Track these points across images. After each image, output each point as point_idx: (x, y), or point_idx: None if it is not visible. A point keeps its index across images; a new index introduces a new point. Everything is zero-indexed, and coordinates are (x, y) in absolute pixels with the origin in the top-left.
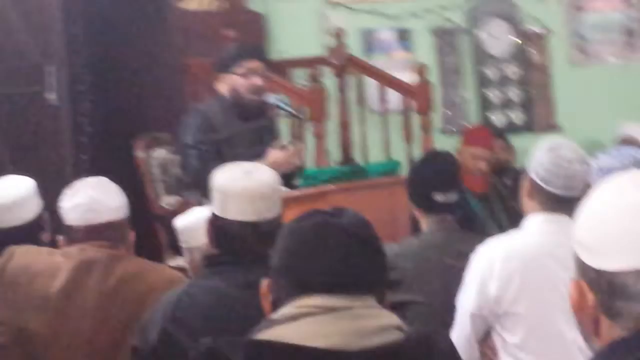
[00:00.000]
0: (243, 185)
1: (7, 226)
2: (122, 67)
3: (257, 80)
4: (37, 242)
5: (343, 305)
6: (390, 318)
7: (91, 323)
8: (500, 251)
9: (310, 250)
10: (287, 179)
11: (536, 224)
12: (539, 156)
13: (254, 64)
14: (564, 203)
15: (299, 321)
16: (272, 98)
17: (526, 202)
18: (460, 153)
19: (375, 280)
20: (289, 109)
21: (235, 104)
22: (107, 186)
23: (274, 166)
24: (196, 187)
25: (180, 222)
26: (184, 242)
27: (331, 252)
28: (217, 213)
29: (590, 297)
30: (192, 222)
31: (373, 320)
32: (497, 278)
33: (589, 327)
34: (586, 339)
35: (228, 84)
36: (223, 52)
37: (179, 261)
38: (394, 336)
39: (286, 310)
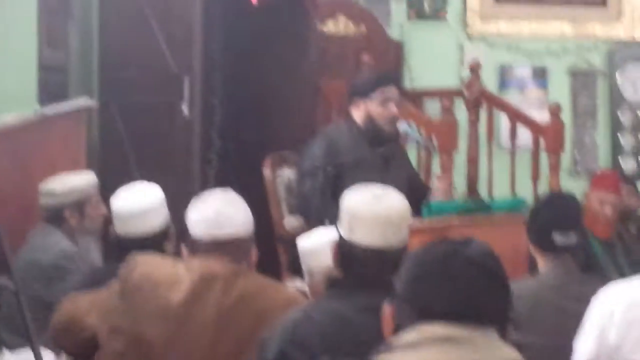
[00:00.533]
0: (373, 210)
1: (135, 234)
2: (256, 84)
3: (393, 109)
4: (162, 252)
5: (464, 336)
6: (511, 352)
7: (209, 337)
8: (622, 297)
9: (435, 277)
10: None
11: None
12: None
13: (392, 91)
14: None
15: (419, 348)
16: (403, 125)
17: None
18: (587, 196)
19: (498, 313)
20: (419, 138)
21: (367, 130)
22: (235, 200)
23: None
24: (302, 214)
25: (303, 243)
26: (305, 263)
27: (456, 281)
28: (343, 235)
29: None
30: (314, 244)
31: (493, 352)
32: (618, 325)
33: None
34: None
35: (363, 109)
36: (360, 77)
37: (297, 283)
38: None
39: (407, 336)
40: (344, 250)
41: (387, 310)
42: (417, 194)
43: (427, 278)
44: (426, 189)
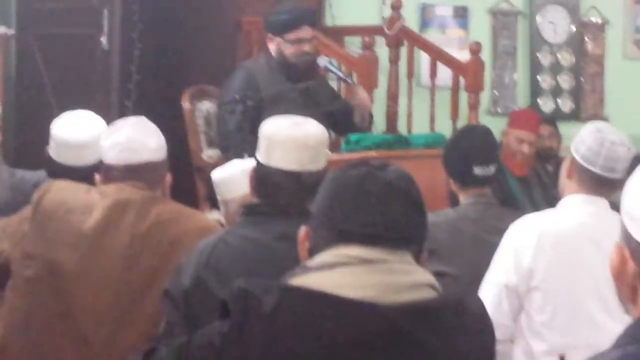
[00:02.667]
0: (289, 134)
1: (70, 164)
2: (175, 18)
3: (305, 47)
4: (92, 183)
5: (379, 258)
6: (425, 275)
7: (122, 263)
8: (536, 226)
9: (351, 200)
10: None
11: (574, 204)
12: (582, 135)
13: (305, 32)
14: (603, 184)
15: (334, 270)
16: (323, 60)
17: (565, 182)
18: (505, 134)
19: (413, 236)
20: (339, 73)
21: (282, 64)
22: (147, 126)
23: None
24: (226, 149)
25: (217, 174)
26: (220, 194)
27: (372, 203)
28: (261, 160)
29: (632, 265)
30: (229, 174)
31: (408, 276)
32: (532, 250)
33: (627, 294)
34: (623, 305)
35: (276, 45)
36: (276, 13)
37: (214, 214)
38: (427, 293)
39: (322, 258)
40: (261, 175)
41: (302, 232)
42: (345, 123)
43: (343, 199)
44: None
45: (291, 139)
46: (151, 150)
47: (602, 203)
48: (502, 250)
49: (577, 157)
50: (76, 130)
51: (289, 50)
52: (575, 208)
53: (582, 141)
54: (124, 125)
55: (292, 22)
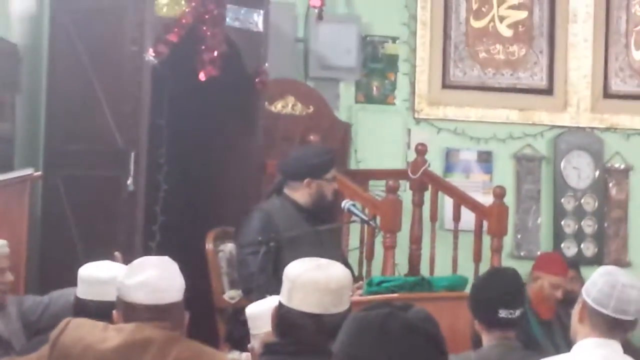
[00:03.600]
0: (312, 277)
1: (95, 299)
2: (200, 160)
3: (336, 185)
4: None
5: None
6: None
7: None
8: None
9: (373, 339)
10: None
11: (587, 348)
12: (594, 278)
13: (334, 169)
14: (616, 327)
15: None
16: (346, 203)
17: (577, 327)
18: (535, 279)
19: None
20: (362, 215)
21: (316, 207)
22: (172, 266)
23: None
24: (249, 292)
25: (250, 308)
26: (251, 328)
27: (394, 344)
28: (282, 301)
29: None
30: (258, 310)
31: None
32: None
33: None
34: None
35: (315, 188)
36: (308, 158)
37: (234, 355)
38: None
39: None
40: (282, 316)
41: None
42: None
43: (364, 339)
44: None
45: (313, 282)
46: (176, 291)
47: (615, 346)
48: None
49: (589, 301)
50: (100, 269)
51: (328, 189)
52: (589, 352)
53: (593, 284)
54: (148, 264)
55: (331, 162)
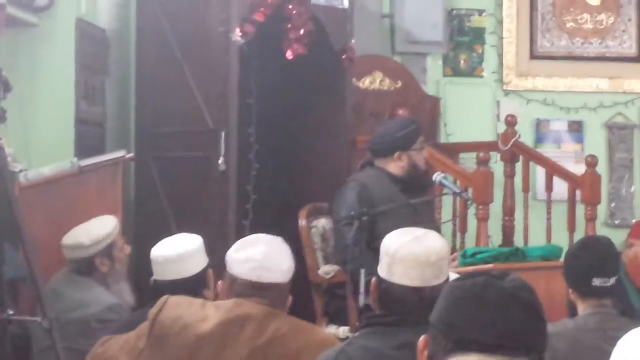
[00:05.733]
0: (412, 251)
1: (171, 279)
2: (291, 138)
3: (427, 154)
4: (199, 297)
5: None
6: None
7: None
8: None
9: (471, 308)
10: None
11: None
12: None
13: (422, 138)
14: None
15: None
16: (438, 176)
17: None
18: (631, 246)
19: (534, 345)
20: (454, 188)
21: (410, 179)
22: (282, 247)
23: None
24: (344, 264)
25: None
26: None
27: (492, 312)
28: (383, 276)
29: None
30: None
31: None
32: None
33: None
34: None
35: (406, 161)
36: (395, 132)
37: (331, 329)
38: None
39: None
40: (383, 290)
41: (422, 341)
42: None
43: (462, 308)
44: None
45: (414, 256)
46: (282, 272)
47: None
48: None
49: None
50: (170, 247)
51: (419, 158)
52: None
53: None
54: (260, 241)
55: (416, 132)
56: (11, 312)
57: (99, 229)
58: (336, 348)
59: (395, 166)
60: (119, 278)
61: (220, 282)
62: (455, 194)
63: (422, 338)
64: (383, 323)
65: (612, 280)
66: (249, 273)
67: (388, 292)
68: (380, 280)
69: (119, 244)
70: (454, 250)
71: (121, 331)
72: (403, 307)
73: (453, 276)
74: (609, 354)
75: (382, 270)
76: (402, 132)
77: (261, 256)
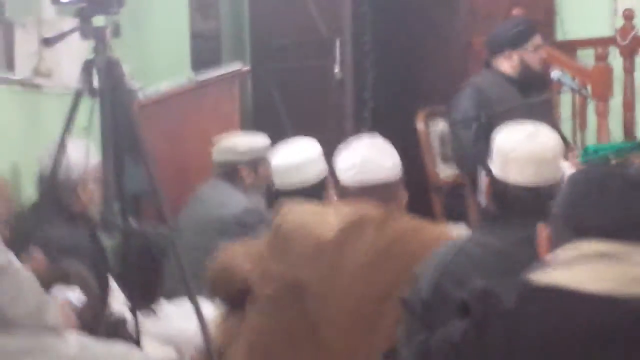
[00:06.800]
0: (526, 149)
1: (291, 186)
2: (406, 44)
3: (543, 54)
4: (318, 203)
5: (621, 252)
6: None
7: (363, 276)
8: None
9: (592, 196)
10: None
11: None
12: None
13: (539, 39)
14: None
15: (574, 265)
16: (556, 74)
17: None
18: None
19: None
20: (573, 85)
21: (523, 78)
22: (382, 146)
23: None
24: (462, 166)
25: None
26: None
27: (613, 198)
28: (497, 175)
29: None
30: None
31: None
32: None
33: None
34: None
35: (517, 59)
36: (506, 30)
37: (451, 228)
38: None
39: (562, 254)
40: (498, 189)
41: (542, 230)
42: None
43: (584, 196)
44: None
45: (528, 154)
46: (386, 169)
47: None
48: None
49: None
50: (288, 153)
51: (532, 58)
52: None
53: None
54: (359, 145)
55: (529, 31)
56: (135, 225)
57: (251, 140)
58: (452, 244)
59: (508, 65)
60: (256, 192)
61: (332, 193)
62: (573, 91)
63: (542, 225)
64: (499, 219)
65: None
66: (353, 179)
67: (503, 192)
68: (494, 180)
69: (266, 162)
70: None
71: (245, 237)
72: (519, 206)
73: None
74: None
75: (496, 169)
76: (513, 29)
77: (360, 159)
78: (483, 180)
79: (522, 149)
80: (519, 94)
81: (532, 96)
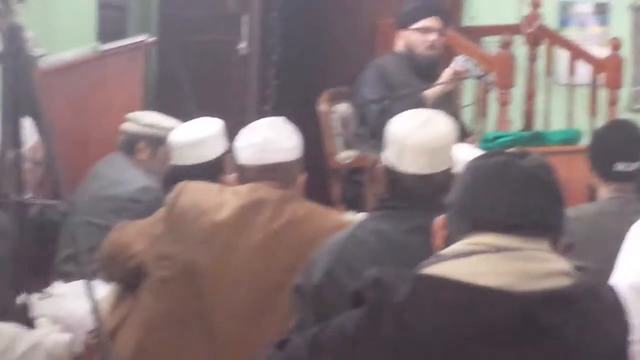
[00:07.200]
0: (419, 138)
1: (189, 163)
2: (314, 24)
3: (432, 37)
4: (216, 182)
5: (515, 246)
6: (561, 263)
7: (257, 260)
8: None
9: (489, 187)
10: None
11: None
12: None
13: (433, 21)
14: None
15: (469, 258)
16: (460, 59)
17: None
18: None
19: (551, 224)
20: (477, 72)
21: (410, 60)
22: (282, 126)
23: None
24: (374, 142)
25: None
26: None
27: (509, 191)
28: (390, 162)
29: None
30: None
31: (544, 264)
32: None
33: None
34: None
35: (404, 40)
36: (405, 8)
37: (349, 216)
38: (563, 281)
39: (457, 246)
40: (392, 177)
41: (439, 221)
42: None
43: (480, 187)
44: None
45: (421, 143)
46: (286, 150)
47: None
48: (626, 249)
49: None
50: (186, 131)
51: (416, 39)
52: None
53: None
54: (260, 125)
55: (418, 12)
56: (29, 195)
57: (161, 119)
58: (346, 231)
59: (400, 45)
60: (152, 174)
61: (232, 175)
62: (476, 77)
63: (440, 218)
64: (394, 207)
65: (636, 165)
66: (251, 157)
67: (396, 180)
68: (388, 168)
69: (169, 148)
70: (474, 134)
71: (141, 216)
72: (413, 194)
73: (473, 153)
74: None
75: (389, 158)
76: (407, 8)
77: (261, 139)
78: (378, 168)
79: (415, 138)
80: (418, 77)
81: (430, 80)
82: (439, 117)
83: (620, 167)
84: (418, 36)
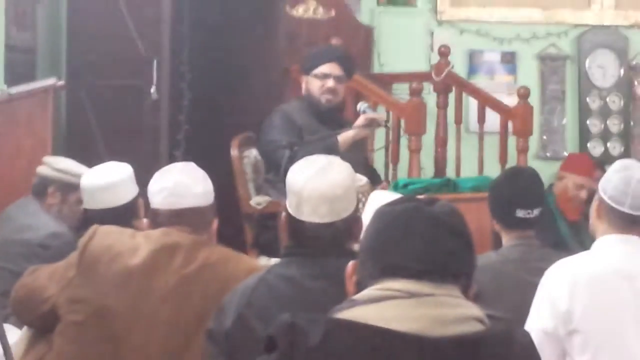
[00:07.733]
0: (316, 189)
1: (101, 207)
2: (224, 68)
3: (330, 83)
4: (129, 226)
5: (426, 292)
6: (472, 309)
7: (171, 305)
8: (569, 268)
9: (398, 234)
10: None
11: (608, 245)
12: (609, 175)
13: (331, 68)
14: (634, 223)
15: (380, 303)
16: (362, 105)
17: (596, 223)
18: (561, 178)
19: (461, 270)
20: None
21: (311, 105)
22: (194, 171)
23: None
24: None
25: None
26: None
27: (419, 237)
28: (291, 212)
29: None
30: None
31: (455, 309)
32: (567, 292)
33: None
34: None
35: (306, 84)
36: (307, 54)
37: (262, 261)
38: (474, 327)
39: (369, 292)
40: (295, 229)
41: (350, 267)
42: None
43: (390, 234)
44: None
45: (319, 193)
46: (197, 195)
47: (636, 241)
48: (538, 296)
49: (605, 198)
50: (98, 175)
51: (315, 84)
52: (610, 248)
53: (608, 181)
54: (172, 170)
55: (317, 58)
56: None
57: (75, 166)
58: (256, 275)
59: (303, 89)
60: (63, 221)
61: (145, 220)
62: (381, 125)
63: (351, 263)
64: (299, 254)
65: (536, 212)
66: (163, 202)
67: (299, 229)
68: (291, 218)
69: (80, 195)
70: (386, 181)
71: (53, 260)
72: (316, 242)
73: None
74: (532, 284)
75: (290, 207)
76: (308, 54)
77: (172, 183)
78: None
79: (311, 189)
80: (323, 124)
81: (332, 126)
82: (336, 163)
83: (521, 214)
84: (317, 82)
